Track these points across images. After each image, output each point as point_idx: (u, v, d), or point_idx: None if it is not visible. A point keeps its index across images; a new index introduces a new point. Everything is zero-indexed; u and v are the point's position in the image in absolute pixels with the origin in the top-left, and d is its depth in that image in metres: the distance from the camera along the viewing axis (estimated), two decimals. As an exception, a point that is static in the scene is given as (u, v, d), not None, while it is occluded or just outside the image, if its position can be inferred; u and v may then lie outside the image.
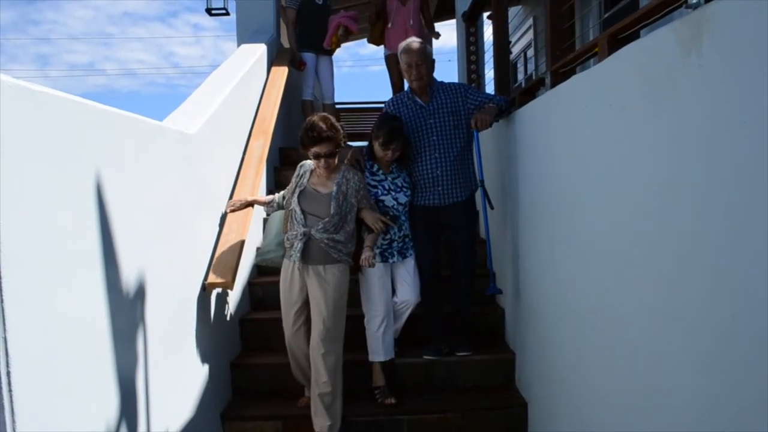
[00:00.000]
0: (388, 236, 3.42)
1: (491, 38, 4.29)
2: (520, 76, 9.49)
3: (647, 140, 1.73)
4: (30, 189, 1.70)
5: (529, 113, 3.11)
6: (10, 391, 1.57)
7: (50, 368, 1.77)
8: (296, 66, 5.84)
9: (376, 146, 3.37)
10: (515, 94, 3.68)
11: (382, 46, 5.92)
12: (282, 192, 3.51)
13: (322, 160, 3.12)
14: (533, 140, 3.05)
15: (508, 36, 4.17)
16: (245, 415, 3.45)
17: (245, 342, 3.89)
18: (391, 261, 3.47)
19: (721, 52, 1.36)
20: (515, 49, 9.99)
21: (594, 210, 2.23)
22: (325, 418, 3.12)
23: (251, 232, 3.96)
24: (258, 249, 3.46)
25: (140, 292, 2.43)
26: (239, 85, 4.30)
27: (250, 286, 4.13)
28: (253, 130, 4.49)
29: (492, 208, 3.49)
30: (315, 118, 3.14)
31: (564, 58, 2.69)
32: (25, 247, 1.66)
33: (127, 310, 2.30)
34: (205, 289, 3.18)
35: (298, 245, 3.11)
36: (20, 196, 1.64)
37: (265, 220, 3.69)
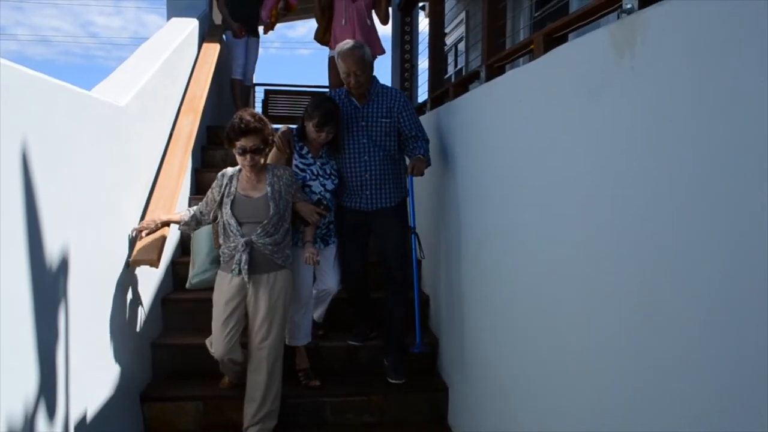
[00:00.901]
0: (322, 223, 3.39)
1: (426, 29, 4.36)
2: (451, 69, 9.63)
3: (580, 135, 1.82)
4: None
5: (465, 104, 3.18)
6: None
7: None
8: (235, 34, 5.73)
9: (309, 127, 3.26)
10: (448, 86, 3.75)
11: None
12: (196, 207, 3.28)
13: (248, 156, 2.95)
14: (467, 131, 3.12)
15: (444, 28, 4.24)
16: (166, 395, 3.40)
17: (167, 321, 3.81)
18: (314, 247, 3.36)
19: (652, 55, 1.45)
20: (447, 41, 10.13)
21: (523, 199, 2.32)
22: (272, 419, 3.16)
23: (177, 210, 3.89)
24: (190, 270, 3.27)
25: (63, 266, 2.36)
26: (170, 59, 4.19)
27: (174, 265, 4.05)
28: (183, 107, 4.38)
29: (422, 257, 3.47)
30: (242, 111, 3.02)
31: (499, 53, 2.77)
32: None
33: (48, 287, 2.23)
34: (129, 267, 3.10)
35: (243, 257, 2.98)
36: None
37: (188, 238, 3.46)
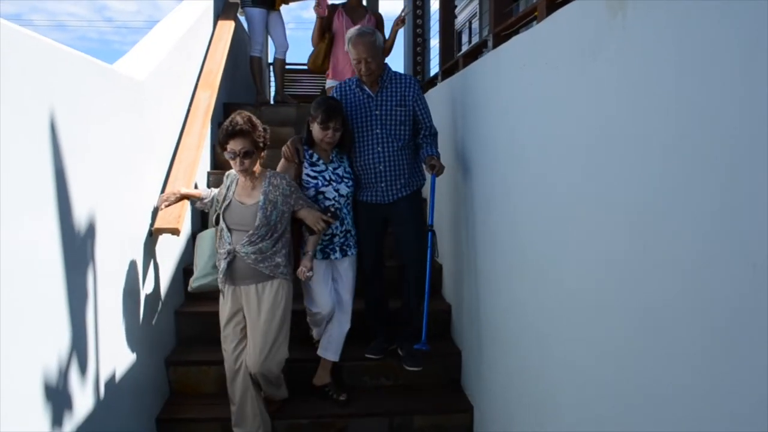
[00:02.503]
0: (330, 231, 3.21)
1: (437, 5, 4.42)
2: (465, 48, 9.64)
3: (577, 96, 1.91)
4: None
5: (472, 73, 3.25)
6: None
7: (9, 297, 1.83)
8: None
9: (315, 128, 3.13)
10: (458, 58, 3.82)
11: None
12: (214, 192, 3.24)
13: (238, 160, 2.84)
14: (476, 99, 3.20)
15: (454, 1, 4.29)
16: (189, 360, 3.55)
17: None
18: (333, 257, 3.27)
19: (643, 15, 1.53)
20: (461, 18, 10.13)
21: (528, 162, 2.41)
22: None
23: (198, 181, 4.01)
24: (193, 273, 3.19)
25: (90, 233, 2.48)
26: (186, 36, 4.29)
27: (194, 236, 4.17)
28: (200, 83, 4.49)
29: (436, 256, 3.37)
30: (235, 114, 2.92)
31: (506, 21, 2.84)
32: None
33: (77, 250, 2.35)
34: (152, 235, 3.23)
35: (223, 265, 2.93)
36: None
37: (195, 239, 3.38)
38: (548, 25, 2.15)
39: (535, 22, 2.58)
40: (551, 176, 2.15)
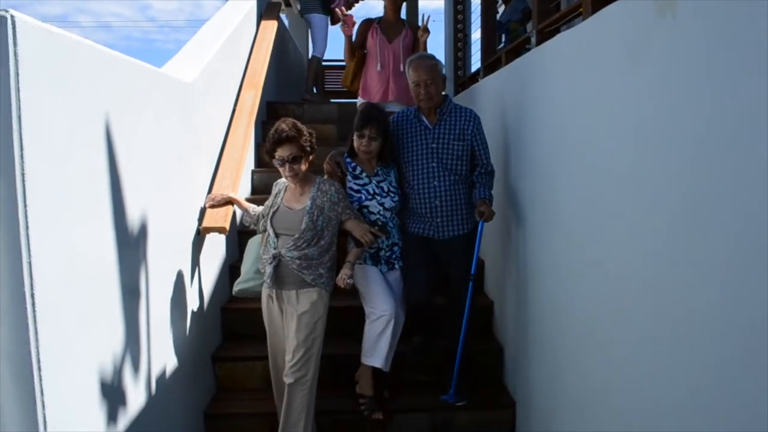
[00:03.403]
0: (375, 245, 3.11)
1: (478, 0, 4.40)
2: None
3: (623, 94, 1.89)
4: (49, 126, 1.80)
5: (514, 71, 3.24)
6: (34, 312, 1.70)
7: (69, 295, 1.90)
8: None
9: (355, 139, 3.11)
10: (501, 53, 3.80)
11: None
12: (261, 208, 3.18)
13: (287, 166, 2.86)
14: (523, 95, 3.17)
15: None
16: (235, 356, 3.63)
17: (234, 288, 4.02)
18: (379, 268, 3.22)
19: (692, 15, 1.50)
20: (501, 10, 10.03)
21: (575, 160, 2.39)
22: None
23: (243, 182, 4.09)
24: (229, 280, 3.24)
25: (142, 232, 2.55)
26: (231, 38, 4.37)
27: (240, 234, 4.25)
28: (244, 83, 4.57)
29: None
30: (279, 121, 2.91)
31: (550, 18, 2.81)
32: (45, 181, 1.77)
33: (131, 249, 2.42)
34: (200, 234, 3.30)
35: (269, 269, 2.92)
36: (40, 132, 1.74)
37: (240, 237, 3.38)
38: (593, 23, 2.13)
39: (579, 19, 2.55)
40: (599, 174, 2.13)
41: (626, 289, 1.92)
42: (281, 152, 2.86)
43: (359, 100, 4.43)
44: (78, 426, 1.97)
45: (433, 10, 7.79)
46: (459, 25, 5.61)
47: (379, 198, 3.15)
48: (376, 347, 3.14)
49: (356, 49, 4.35)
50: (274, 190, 3.11)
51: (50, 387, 1.76)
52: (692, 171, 1.50)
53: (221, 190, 3.48)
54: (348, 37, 4.29)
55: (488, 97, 3.82)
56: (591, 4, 2.27)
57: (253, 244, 3.27)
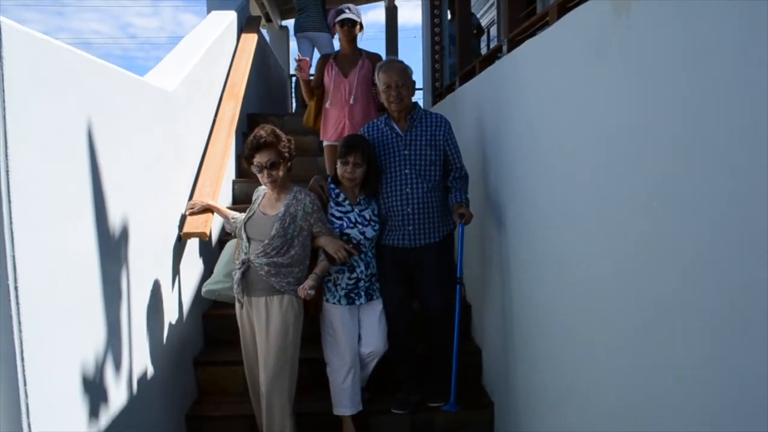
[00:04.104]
0: (354, 275, 3.12)
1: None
2: (485, 52, 9.72)
3: (586, 93, 1.99)
4: (33, 127, 1.86)
5: (487, 78, 3.34)
6: (18, 305, 1.75)
7: (52, 291, 1.95)
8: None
9: (339, 166, 3.10)
10: (475, 63, 3.90)
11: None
12: (244, 215, 3.15)
13: (265, 172, 2.88)
14: (495, 101, 3.27)
15: (470, 8, 4.39)
16: (216, 360, 3.66)
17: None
18: (357, 302, 3.16)
19: (645, 15, 1.61)
20: (484, 21, 10.22)
21: (543, 162, 2.48)
22: None
23: (224, 192, 4.14)
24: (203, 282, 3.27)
25: (124, 236, 2.60)
26: (212, 49, 4.45)
27: (221, 243, 4.29)
28: (225, 94, 4.65)
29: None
30: (258, 128, 2.95)
31: (520, 26, 2.92)
32: (30, 179, 1.82)
33: (112, 252, 2.47)
34: (181, 239, 3.35)
35: (237, 274, 2.93)
36: (25, 132, 1.80)
37: (222, 245, 3.40)
38: (559, 27, 2.24)
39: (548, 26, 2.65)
40: (571, 174, 2.21)
41: (603, 290, 1.97)
42: (259, 158, 2.87)
43: (325, 142, 4.29)
44: (61, 418, 2.01)
45: (414, 25, 7.93)
46: (436, 38, 5.74)
47: (360, 227, 3.12)
48: (342, 396, 3.19)
49: (315, 88, 4.22)
50: (254, 196, 3.14)
51: (33, 379, 1.80)
52: (658, 170, 1.59)
53: (201, 198, 3.53)
54: (305, 81, 4.17)
55: (465, 105, 3.92)
56: (557, 12, 2.37)
57: (229, 247, 3.29)
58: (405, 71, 3.16)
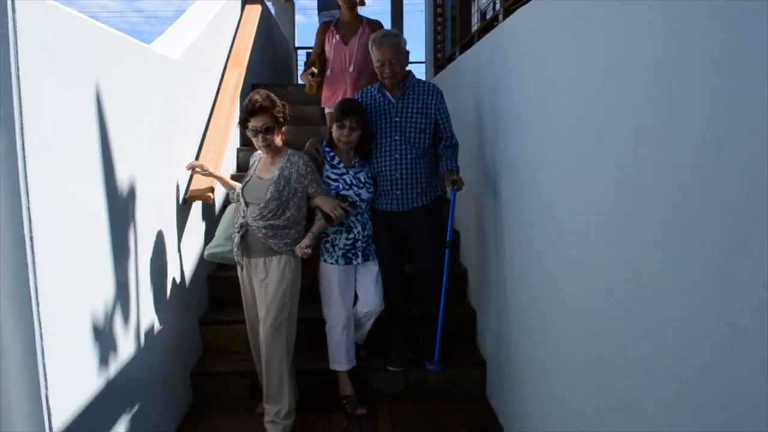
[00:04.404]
0: (352, 235, 3.24)
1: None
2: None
3: (571, 62, 2.09)
4: (44, 88, 1.98)
5: (485, 45, 3.43)
6: (33, 254, 1.88)
7: (64, 243, 2.08)
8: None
9: (333, 127, 3.21)
10: (474, 33, 3.98)
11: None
12: None
13: (260, 136, 2.97)
14: (490, 68, 3.37)
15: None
16: (221, 320, 3.82)
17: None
18: (355, 263, 3.29)
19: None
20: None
21: (533, 122, 2.59)
22: (275, 404, 3.08)
23: (228, 160, 4.26)
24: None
25: (131, 196, 2.72)
26: (216, 19, 4.54)
27: (225, 208, 4.41)
28: (229, 63, 4.75)
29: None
30: (252, 93, 3.03)
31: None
32: (43, 141, 1.94)
33: (121, 210, 2.59)
34: (186, 201, 3.48)
35: (237, 238, 3.04)
36: (37, 93, 1.92)
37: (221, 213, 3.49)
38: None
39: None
40: (560, 137, 2.32)
41: (591, 254, 2.03)
42: (255, 122, 2.96)
43: (327, 110, 4.33)
44: (72, 363, 2.15)
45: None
46: (438, 9, 5.79)
47: (356, 189, 3.23)
48: (338, 353, 3.33)
49: (316, 57, 4.26)
50: (251, 161, 3.24)
51: (47, 324, 1.93)
52: (634, 121, 1.69)
53: (206, 162, 3.64)
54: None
55: (464, 73, 4.01)
56: (546, -19, 2.46)
57: (229, 212, 3.39)
58: (398, 46, 3.21)
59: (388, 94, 3.29)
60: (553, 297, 2.42)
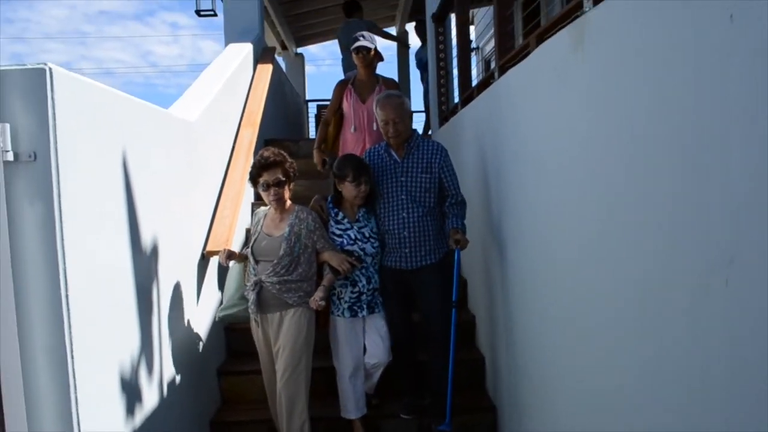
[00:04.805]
0: (357, 289, 3.32)
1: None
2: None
3: (551, 114, 2.27)
4: (79, 158, 2.17)
5: (483, 100, 3.64)
6: (68, 311, 2.04)
7: (94, 299, 2.24)
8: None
9: (347, 186, 3.25)
10: (473, 88, 4.19)
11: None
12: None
13: (272, 191, 3.06)
14: (487, 121, 3.55)
15: (470, 35, 4.68)
16: (239, 370, 3.92)
17: (238, 309, 4.35)
18: (360, 315, 3.36)
19: (596, 47, 1.88)
20: (488, 48, 10.53)
21: (528, 171, 2.76)
22: None
23: (243, 214, 4.45)
24: (220, 304, 3.49)
25: (154, 252, 2.90)
26: (230, 80, 4.79)
27: (241, 261, 4.59)
28: (243, 121, 4.98)
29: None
30: (262, 150, 3.15)
31: (509, 54, 3.21)
32: (76, 203, 2.12)
33: (144, 266, 2.77)
34: (204, 257, 3.65)
35: (252, 296, 3.11)
36: (72, 162, 2.11)
37: (225, 271, 3.56)
38: (534, 57, 2.52)
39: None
40: (561, 185, 2.48)
41: (596, 296, 2.07)
42: (267, 176, 3.05)
43: None
44: (102, 412, 2.29)
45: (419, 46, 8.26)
46: (441, 63, 6.02)
47: (360, 243, 3.30)
48: (347, 401, 3.42)
49: (333, 113, 4.40)
50: (254, 219, 3.32)
51: (80, 376, 2.09)
52: (612, 172, 1.85)
53: (222, 220, 3.84)
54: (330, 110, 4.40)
55: (466, 126, 4.20)
56: (536, 42, 2.65)
57: (232, 271, 3.44)
58: (402, 106, 3.30)
59: (393, 153, 3.35)
60: (559, 341, 2.48)
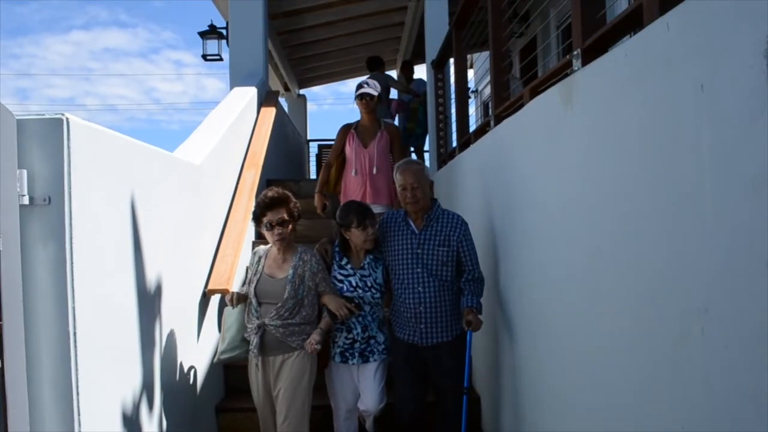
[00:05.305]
0: (351, 336, 3.26)
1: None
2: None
3: (544, 168, 2.38)
4: (91, 202, 2.27)
5: (476, 149, 3.76)
6: (75, 347, 2.12)
7: (100, 336, 2.32)
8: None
9: (354, 233, 3.21)
10: (470, 134, 4.33)
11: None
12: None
13: (276, 229, 3.04)
14: (482, 168, 3.67)
15: (467, 81, 4.84)
16: (237, 407, 3.95)
17: (237, 347, 4.40)
18: (350, 362, 3.28)
19: (583, 107, 2.00)
20: (487, 91, 10.78)
21: (514, 219, 2.86)
22: None
23: (244, 250, 4.53)
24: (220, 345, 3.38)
25: (158, 291, 2.98)
26: (235, 123, 4.94)
27: (241, 299, 4.66)
28: (246, 162, 5.11)
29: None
30: (266, 189, 3.16)
31: (504, 104, 3.34)
32: (86, 244, 2.22)
33: (148, 304, 2.85)
34: (206, 296, 3.73)
35: (255, 340, 3.06)
36: (83, 206, 2.21)
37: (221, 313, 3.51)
38: (527, 111, 2.65)
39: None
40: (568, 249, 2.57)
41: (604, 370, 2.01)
42: (270, 216, 3.03)
43: None
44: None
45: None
46: (440, 108, 6.18)
47: (360, 291, 3.24)
48: None
49: (336, 157, 4.52)
50: (254, 258, 3.27)
51: (84, 411, 2.15)
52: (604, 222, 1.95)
53: (224, 258, 3.92)
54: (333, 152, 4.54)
55: (463, 171, 4.33)
56: (529, 95, 2.78)
57: (231, 313, 3.35)
58: (421, 172, 3.20)
59: (411, 223, 3.22)
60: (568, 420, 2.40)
